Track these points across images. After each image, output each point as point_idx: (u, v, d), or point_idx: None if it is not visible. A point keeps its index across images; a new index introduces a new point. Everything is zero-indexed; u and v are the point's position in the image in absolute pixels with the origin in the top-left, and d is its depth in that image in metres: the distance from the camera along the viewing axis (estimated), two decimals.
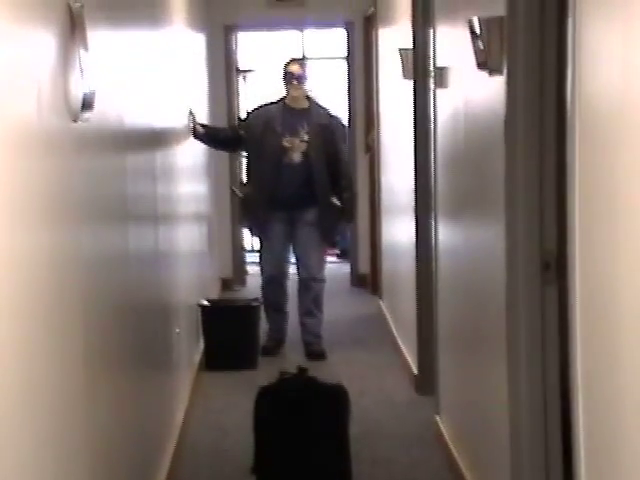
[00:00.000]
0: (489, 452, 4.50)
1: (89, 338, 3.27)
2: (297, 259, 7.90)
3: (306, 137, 7.47)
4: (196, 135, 7.56)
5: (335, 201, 7.65)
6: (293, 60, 7.82)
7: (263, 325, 7.85)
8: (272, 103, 7.88)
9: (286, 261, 7.93)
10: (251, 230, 8.32)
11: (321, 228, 7.62)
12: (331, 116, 7.77)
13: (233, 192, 8.61)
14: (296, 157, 7.48)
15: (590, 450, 2.93)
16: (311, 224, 7.58)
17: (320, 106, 7.80)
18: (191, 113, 7.47)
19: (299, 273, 7.89)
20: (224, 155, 9.86)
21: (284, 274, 7.90)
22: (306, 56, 11.26)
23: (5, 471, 2.25)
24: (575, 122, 2.93)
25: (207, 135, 7.73)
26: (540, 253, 3.77)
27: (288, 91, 7.64)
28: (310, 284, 7.78)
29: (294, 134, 7.49)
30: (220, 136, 8.07)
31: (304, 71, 7.66)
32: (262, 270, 7.98)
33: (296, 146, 7.47)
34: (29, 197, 2.56)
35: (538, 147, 3.73)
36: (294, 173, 7.48)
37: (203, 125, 7.81)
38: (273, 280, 7.81)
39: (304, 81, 7.63)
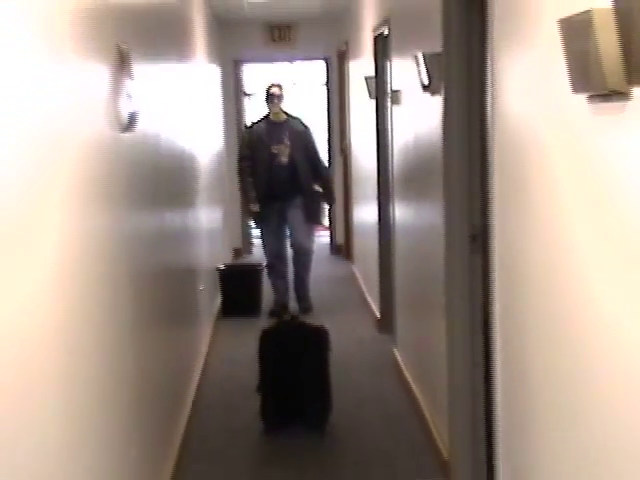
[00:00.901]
0: (432, 374, 4.49)
1: (135, 295, 3.29)
2: (290, 236, 7.63)
3: (288, 143, 7.39)
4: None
5: (317, 188, 7.56)
6: (273, 85, 7.61)
7: (270, 293, 7.68)
8: (259, 120, 7.72)
9: (283, 240, 7.68)
10: (255, 220, 7.83)
11: (307, 210, 7.48)
12: (303, 124, 7.63)
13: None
14: (283, 159, 7.38)
15: (504, 362, 2.97)
16: (299, 208, 7.44)
17: (294, 117, 7.66)
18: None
19: (292, 247, 7.65)
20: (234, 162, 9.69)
21: (283, 250, 7.68)
22: (295, 82, 11.27)
23: (78, 386, 2.29)
24: (494, 129, 2.96)
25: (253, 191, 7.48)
26: (469, 228, 3.76)
27: (270, 109, 7.54)
28: (300, 255, 7.60)
29: (279, 142, 7.39)
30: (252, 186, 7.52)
31: (282, 92, 7.55)
32: (265, 250, 7.74)
33: (282, 151, 7.38)
34: (92, 188, 2.58)
35: (468, 148, 3.72)
36: (283, 171, 7.37)
37: (255, 202, 7.49)
38: (275, 256, 7.62)
39: (282, 100, 7.54)
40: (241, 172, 7.57)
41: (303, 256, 7.61)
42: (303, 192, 7.43)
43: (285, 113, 7.59)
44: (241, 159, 7.60)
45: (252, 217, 7.80)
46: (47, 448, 2.00)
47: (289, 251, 7.77)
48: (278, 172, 7.36)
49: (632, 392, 1.74)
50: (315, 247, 7.91)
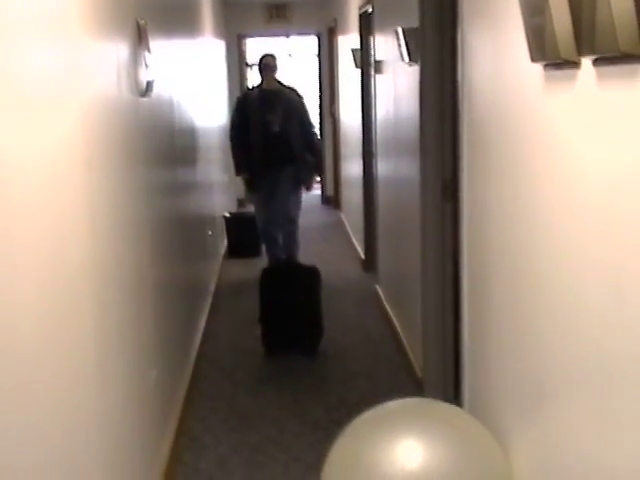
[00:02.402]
0: (408, 306, 4.53)
1: (153, 238, 3.31)
2: (279, 205, 6.65)
3: (281, 111, 6.46)
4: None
5: (309, 157, 6.63)
6: (266, 55, 6.68)
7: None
8: (252, 89, 6.88)
9: (275, 207, 6.66)
10: (250, 186, 6.71)
11: (299, 178, 6.59)
12: (298, 95, 6.70)
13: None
14: (275, 127, 6.43)
15: (470, 293, 3.01)
16: (290, 176, 6.51)
17: (288, 87, 6.71)
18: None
19: (281, 215, 6.69)
20: None
21: (276, 217, 6.67)
22: (290, 54, 11.18)
23: (109, 310, 2.32)
24: (463, 95, 2.96)
25: (248, 163, 6.55)
26: (441, 181, 3.76)
27: (264, 78, 6.58)
28: (285, 224, 6.70)
29: (272, 110, 6.44)
30: (245, 153, 6.58)
31: (275, 63, 6.62)
32: (257, 217, 6.84)
33: (275, 120, 6.44)
34: (115, 144, 2.59)
35: (440, 111, 3.70)
36: (275, 139, 6.42)
37: (245, 170, 6.63)
38: (267, 222, 6.70)
39: (275, 70, 6.61)
40: (231, 140, 6.69)
41: (289, 225, 6.72)
42: (295, 160, 6.51)
43: (279, 83, 6.68)
44: (232, 127, 6.73)
45: (244, 184, 6.82)
46: (85, 368, 2.04)
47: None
48: (270, 140, 6.44)
49: (571, 315, 1.77)
50: (300, 218, 6.88)
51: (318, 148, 6.97)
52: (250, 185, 6.66)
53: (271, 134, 6.43)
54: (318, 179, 7.27)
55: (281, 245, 6.80)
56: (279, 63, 6.74)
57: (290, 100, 6.60)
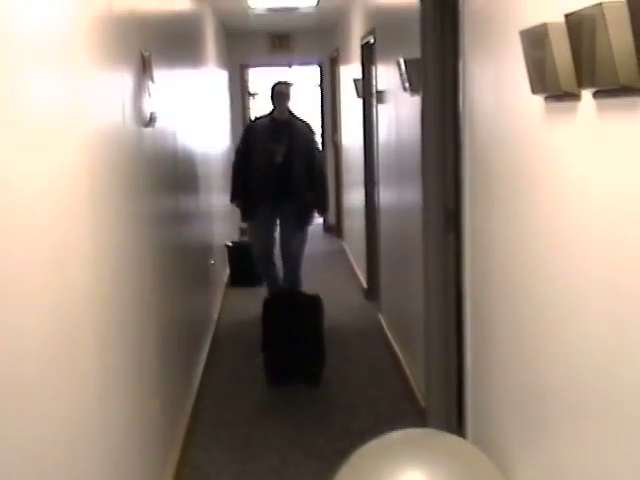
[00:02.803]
0: (411, 335, 4.53)
1: (156, 266, 3.32)
2: (280, 241, 6.36)
3: (286, 142, 6.08)
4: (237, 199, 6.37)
5: (310, 195, 6.20)
6: (280, 82, 6.28)
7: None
8: (263, 117, 6.40)
9: (271, 240, 6.34)
10: (244, 214, 6.36)
11: (298, 216, 6.19)
12: (309, 127, 6.31)
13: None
14: (278, 158, 6.05)
15: (473, 325, 3.00)
16: (290, 212, 6.17)
17: (299, 119, 6.30)
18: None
19: (281, 252, 6.38)
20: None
21: (271, 248, 6.35)
22: (293, 84, 11.25)
23: (109, 335, 2.32)
24: (465, 125, 2.98)
25: (243, 192, 6.27)
26: (444, 210, 3.76)
27: (275, 106, 6.18)
28: (289, 261, 6.36)
29: (277, 140, 6.07)
30: (243, 180, 6.30)
31: (289, 91, 6.21)
32: (253, 247, 6.48)
33: (278, 149, 6.06)
34: (117, 174, 2.60)
35: (442, 141, 3.71)
36: (278, 171, 6.05)
37: (239, 198, 6.34)
38: (263, 253, 6.36)
39: (288, 99, 6.19)
40: (233, 166, 6.41)
41: (292, 262, 6.37)
42: (295, 196, 6.12)
43: (291, 113, 6.27)
44: (236, 153, 6.46)
45: (240, 212, 6.41)
46: (87, 395, 2.04)
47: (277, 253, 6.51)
48: (272, 170, 6.09)
49: (568, 335, 1.78)
50: (303, 254, 6.48)
51: (323, 186, 6.40)
52: (244, 212, 6.35)
53: (273, 164, 6.08)
54: (320, 216, 6.55)
55: (279, 276, 6.48)
56: (292, 91, 6.31)
57: (298, 133, 6.19)
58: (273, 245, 6.38)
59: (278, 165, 6.08)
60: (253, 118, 6.47)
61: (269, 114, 6.33)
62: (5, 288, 1.44)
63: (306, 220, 6.28)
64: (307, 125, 6.32)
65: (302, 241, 6.36)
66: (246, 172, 6.20)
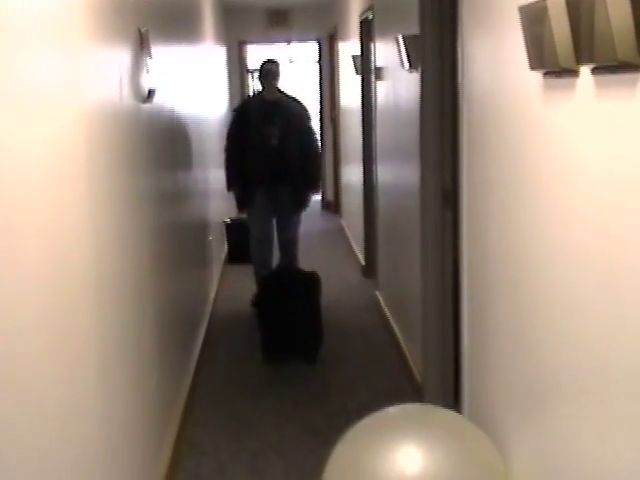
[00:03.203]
0: (408, 312, 4.54)
1: (154, 243, 3.31)
2: (278, 226, 6.15)
3: (280, 124, 5.82)
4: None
5: (307, 174, 5.96)
6: (268, 61, 5.98)
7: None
8: (251, 99, 6.21)
9: (270, 226, 6.11)
10: (240, 203, 6.09)
11: (294, 198, 5.96)
12: (302, 106, 6.03)
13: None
14: (274, 141, 5.79)
15: (469, 301, 3.01)
16: (289, 197, 5.93)
17: (290, 97, 6.02)
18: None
19: (279, 236, 6.19)
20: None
21: (270, 236, 6.11)
22: (291, 60, 11.21)
23: (107, 312, 2.33)
24: (463, 102, 2.97)
25: (241, 177, 5.92)
26: (441, 189, 3.77)
27: (264, 86, 5.91)
28: (285, 244, 6.19)
29: (271, 122, 5.80)
30: (238, 167, 5.94)
31: (278, 69, 5.92)
32: (251, 235, 6.15)
33: (273, 133, 5.80)
34: (115, 150, 2.60)
35: (440, 118, 3.71)
36: (273, 154, 5.79)
37: (237, 186, 6.00)
38: (260, 241, 6.07)
39: (278, 78, 5.91)
40: (226, 152, 6.01)
41: (289, 245, 6.22)
42: (292, 178, 5.89)
43: (281, 92, 5.99)
44: (228, 138, 6.03)
45: (236, 200, 6.14)
46: (86, 373, 2.05)
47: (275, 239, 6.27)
48: (268, 154, 5.81)
49: (567, 319, 1.78)
50: (299, 237, 6.32)
51: (317, 162, 6.20)
52: (240, 202, 6.05)
53: (269, 148, 5.81)
54: (312, 193, 6.15)
55: (271, 264, 6.12)
56: (282, 69, 6.06)
57: (291, 112, 5.92)
58: (273, 232, 6.17)
59: (274, 148, 5.81)
60: (242, 100, 6.08)
61: (258, 94, 6.09)
62: (2, 256, 1.44)
63: (303, 203, 6.06)
64: (298, 102, 6.06)
65: (298, 224, 6.21)
66: (241, 157, 5.87)
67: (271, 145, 5.82)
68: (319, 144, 6.44)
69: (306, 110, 6.09)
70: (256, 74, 6.47)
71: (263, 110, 5.88)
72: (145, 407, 2.95)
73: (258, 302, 5.10)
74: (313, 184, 6.13)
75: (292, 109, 5.95)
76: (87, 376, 2.08)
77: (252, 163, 5.84)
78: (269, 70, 5.90)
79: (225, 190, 6.15)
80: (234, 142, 5.93)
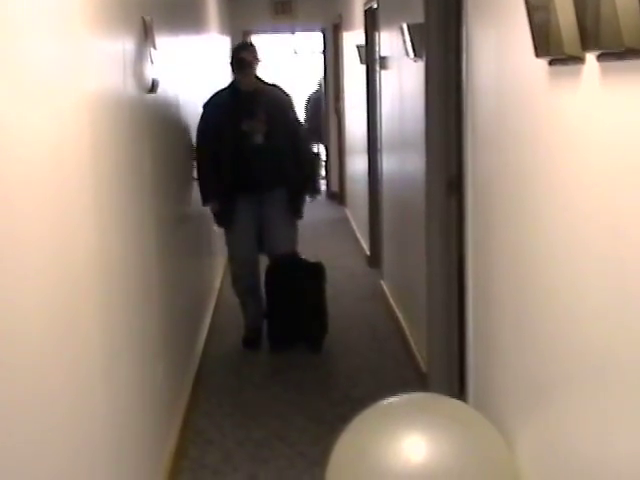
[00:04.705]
0: (413, 301, 4.53)
1: (159, 233, 3.32)
2: (268, 238, 4.97)
3: (264, 117, 4.79)
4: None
5: (298, 179, 4.96)
6: (241, 46, 5.08)
7: (239, 319, 5.18)
8: (221, 91, 4.99)
9: (254, 244, 4.98)
10: (220, 219, 5.00)
11: (291, 205, 4.96)
12: (283, 92, 5.05)
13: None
14: (258, 139, 4.75)
15: (475, 290, 3.01)
16: (279, 203, 4.90)
17: (270, 84, 5.00)
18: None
19: (268, 253, 5.02)
20: None
21: (254, 257, 5.01)
22: (296, 50, 11.18)
23: (112, 301, 2.33)
24: (468, 90, 2.96)
25: (218, 188, 4.81)
26: (446, 177, 3.75)
27: (238, 76, 4.84)
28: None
29: (251, 116, 4.76)
30: (214, 175, 4.78)
31: (255, 57, 4.83)
32: (230, 258, 5.17)
33: (256, 128, 4.75)
34: (119, 141, 2.59)
35: (445, 107, 3.70)
36: (259, 154, 4.75)
37: (214, 199, 4.87)
38: (243, 265, 5.00)
39: (255, 67, 4.83)
40: (198, 158, 4.81)
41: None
42: (287, 181, 4.89)
43: (259, 80, 4.92)
44: (199, 142, 4.81)
45: (214, 216, 5.03)
46: (91, 361, 2.05)
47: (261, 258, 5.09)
48: (251, 156, 4.73)
49: (573, 313, 1.78)
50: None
51: (313, 161, 5.30)
52: (221, 219, 4.99)
53: (252, 148, 4.75)
54: (310, 199, 5.21)
55: (261, 298, 5.05)
56: (259, 55, 4.94)
57: (275, 101, 4.93)
58: (257, 255, 5.04)
59: (260, 148, 4.78)
60: (212, 94, 5.00)
61: (230, 86, 4.96)
62: (6, 241, 1.44)
63: (298, 210, 5.02)
64: (279, 89, 5.05)
65: (293, 239, 5.09)
66: (216, 164, 4.75)
67: (254, 143, 4.77)
68: (305, 133, 5.43)
69: (289, 95, 5.11)
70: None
71: (239, 104, 4.80)
72: (150, 396, 2.96)
73: (251, 340, 4.92)
74: (313, 187, 5.25)
75: (274, 98, 4.94)
76: (92, 365, 2.08)
77: (230, 169, 4.74)
78: (242, 59, 4.81)
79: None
80: (205, 147, 4.79)
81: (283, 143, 4.86)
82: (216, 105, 4.89)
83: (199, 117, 4.86)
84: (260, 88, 4.90)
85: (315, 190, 5.32)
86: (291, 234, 5.06)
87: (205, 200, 4.84)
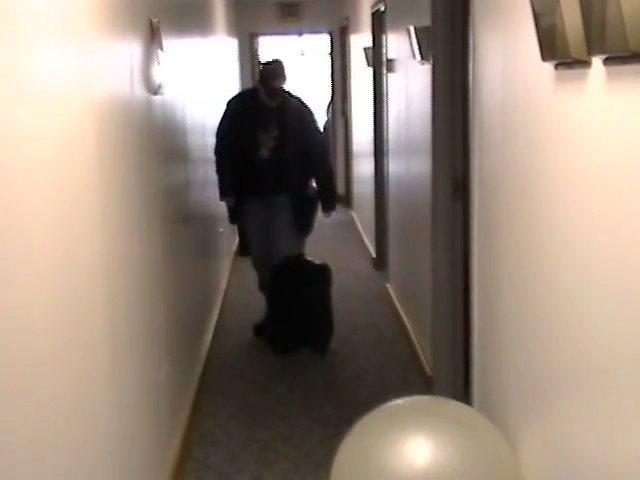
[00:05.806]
0: (419, 304, 4.53)
1: (165, 235, 3.32)
2: (274, 242, 5.12)
3: (276, 133, 4.96)
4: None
5: (309, 192, 5.17)
6: (272, 62, 5.09)
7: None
8: (247, 96, 5.29)
9: (269, 242, 5.13)
10: (231, 215, 5.31)
11: (295, 217, 5.09)
12: (303, 104, 5.13)
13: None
14: (265, 153, 4.96)
15: (480, 292, 3.01)
16: (285, 210, 5.05)
17: (292, 96, 5.12)
18: None
19: (276, 254, 5.08)
20: None
21: (270, 254, 5.11)
22: (303, 53, 11.19)
23: (117, 302, 2.33)
24: (474, 93, 2.96)
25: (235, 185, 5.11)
26: (452, 180, 3.75)
27: (264, 88, 5.00)
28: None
29: (265, 129, 4.96)
30: (233, 172, 5.11)
31: (281, 71, 4.99)
32: (250, 254, 5.41)
33: (265, 143, 4.96)
34: (126, 142, 2.60)
35: (452, 110, 3.70)
36: (265, 165, 4.97)
37: (232, 195, 5.15)
38: (262, 263, 5.19)
39: (283, 81, 5.00)
40: (217, 153, 5.13)
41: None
42: (291, 192, 5.06)
43: (285, 92, 5.09)
44: (219, 137, 5.13)
45: (228, 212, 5.31)
46: (97, 362, 2.05)
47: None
48: (259, 165, 5.00)
49: (574, 315, 1.78)
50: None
51: (328, 174, 5.34)
52: (234, 215, 5.27)
53: (260, 159, 5.00)
54: (326, 215, 5.31)
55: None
56: (285, 71, 5.05)
57: (291, 115, 5.06)
58: (271, 253, 5.14)
59: (264, 161, 5.00)
60: (239, 93, 5.12)
61: (255, 93, 5.14)
62: (12, 243, 1.45)
63: (307, 224, 5.19)
64: (299, 101, 5.15)
65: (298, 244, 5.19)
66: (234, 161, 5.06)
67: (262, 157, 4.99)
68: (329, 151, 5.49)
69: (307, 107, 5.16)
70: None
71: (258, 116, 5.00)
72: (155, 396, 2.96)
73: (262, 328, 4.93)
74: (328, 202, 5.25)
75: (293, 111, 5.08)
76: (97, 365, 2.08)
77: (244, 172, 5.06)
78: (274, 72, 4.99)
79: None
80: (227, 143, 5.08)
81: (291, 157, 5.02)
82: (239, 109, 5.11)
83: (222, 112, 5.13)
84: (283, 103, 5.06)
85: (330, 206, 5.31)
86: (296, 239, 5.18)
87: (222, 195, 5.16)
